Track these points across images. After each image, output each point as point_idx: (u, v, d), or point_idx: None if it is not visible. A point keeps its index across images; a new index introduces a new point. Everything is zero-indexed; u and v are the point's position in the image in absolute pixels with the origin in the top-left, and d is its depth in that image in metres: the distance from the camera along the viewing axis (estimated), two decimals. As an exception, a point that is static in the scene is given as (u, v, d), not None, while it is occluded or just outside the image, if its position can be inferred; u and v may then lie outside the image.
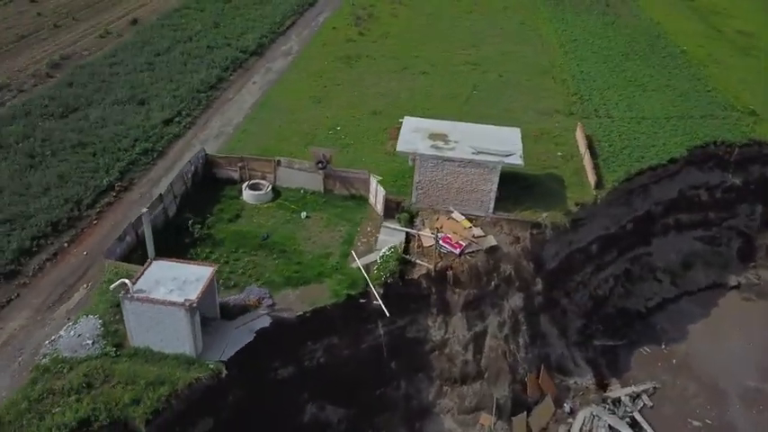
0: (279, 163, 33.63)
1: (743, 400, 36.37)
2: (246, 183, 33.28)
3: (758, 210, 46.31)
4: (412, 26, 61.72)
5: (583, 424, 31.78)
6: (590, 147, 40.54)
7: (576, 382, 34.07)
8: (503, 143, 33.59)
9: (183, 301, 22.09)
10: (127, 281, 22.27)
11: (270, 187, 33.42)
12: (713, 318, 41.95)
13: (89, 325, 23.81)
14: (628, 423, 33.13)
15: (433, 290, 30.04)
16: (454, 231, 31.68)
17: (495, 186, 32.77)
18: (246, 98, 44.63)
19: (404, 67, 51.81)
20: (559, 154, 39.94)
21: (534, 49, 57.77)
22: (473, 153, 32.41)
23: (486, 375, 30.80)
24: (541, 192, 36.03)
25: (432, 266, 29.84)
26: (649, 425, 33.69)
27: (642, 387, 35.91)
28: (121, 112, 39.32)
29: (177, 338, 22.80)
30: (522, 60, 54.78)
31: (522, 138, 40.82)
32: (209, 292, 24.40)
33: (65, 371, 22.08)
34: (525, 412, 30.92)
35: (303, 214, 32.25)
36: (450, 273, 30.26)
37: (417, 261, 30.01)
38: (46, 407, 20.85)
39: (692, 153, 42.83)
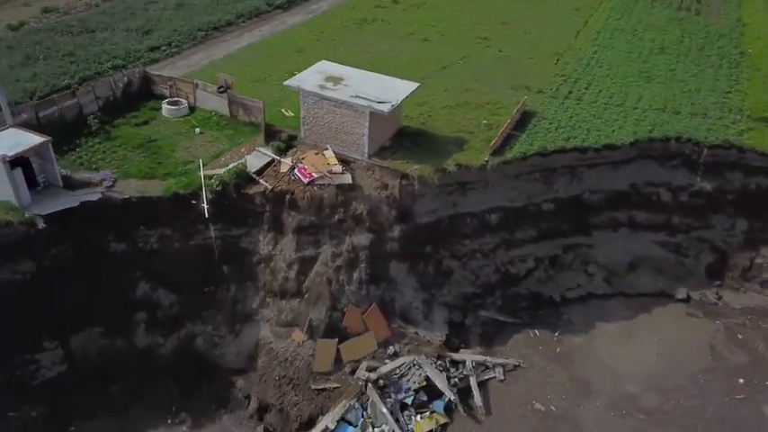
0: (197, 85, 38.31)
1: (610, 401, 33.98)
2: (167, 99, 38.45)
3: (739, 225, 41.30)
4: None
5: (398, 367, 32.42)
6: (522, 121, 39.79)
7: (417, 333, 34.53)
8: (388, 93, 34.88)
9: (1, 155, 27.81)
10: (-36, 133, 28.61)
11: (186, 105, 38.28)
12: (636, 323, 38.69)
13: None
14: (456, 384, 33.03)
15: (268, 208, 32.82)
16: (313, 164, 33.99)
17: (366, 131, 34.27)
18: (242, 42, 49.77)
19: (410, 34, 53.51)
20: (485, 122, 39.67)
21: (564, 33, 55.51)
22: (350, 96, 34.29)
23: (306, 296, 32.91)
24: (433, 149, 36.55)
25: (269, 187, 32.67)
26: (480, 393, 33.21)
27: (500, 360, 35.15)
28: (125, 37, 46.65)
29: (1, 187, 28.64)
30: (539, 42, 53.29)
31: (464, 105, 41.76)
32: (47, 161, 30.01)
33: None
34: (336, 339, 32.46)
35: (197, 130, 36.68)
36: (287, 197, 32.79)
37: (260, 180, 32.98)
38: None
39: (646, 146, 39.80)
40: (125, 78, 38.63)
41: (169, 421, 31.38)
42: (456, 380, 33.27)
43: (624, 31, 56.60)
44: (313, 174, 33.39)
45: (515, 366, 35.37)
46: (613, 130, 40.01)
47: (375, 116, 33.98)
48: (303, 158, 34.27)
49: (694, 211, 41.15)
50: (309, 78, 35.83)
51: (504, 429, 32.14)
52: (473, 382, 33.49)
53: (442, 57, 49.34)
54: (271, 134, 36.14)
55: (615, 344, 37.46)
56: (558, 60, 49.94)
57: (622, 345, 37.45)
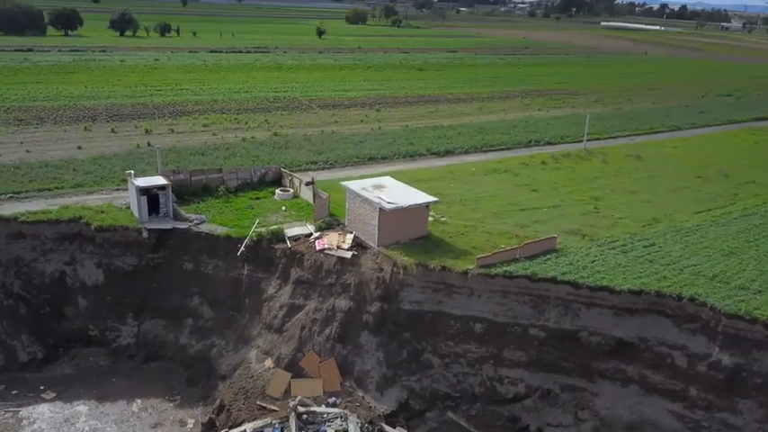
0: (300, 182, 51.94)
1: None
2: (281, 187, 52.85)
3: None
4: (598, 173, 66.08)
5: (327, 413, 37.56)
6: (542, 254, 42.77)
7: (363, 397, 39.08)
8: (406, 201, 43.19)
9: (138, 186, 44.66)
10: (132, 173, 46.42)
11: (291, 192, 52.00)
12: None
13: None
14: (372, 451, 36.52)
15: (283, 261, 43.00)
16: (329, 239, 43.48)
17: (377, 223, 42.65)
18: (381, 170, 62.18)
19: (526, 185, 59.63)
20: (502, 246, 43.81)
21: (691, 207, 54.85)
22: (373, 196, 43.53)
23: (284, 334, 41.05)
24: (438, 253, 42.39)
25: (289, 246, 43.08)
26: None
27: (427, 454, 37.19)
28: (302, 153, 64.03)
29: (135, 207, 45.30)
30: (649, 209, 54.15)
31: (504, 233, 46.91)
32: (165, 198, 46.03)
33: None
34: (291, 374, 39.37)
35: (283, 208, 49.65)
36: (298, 256, 42.59)
37: (287, 241, 43.67)
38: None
39: (657, 300, 38.77)
40: (263, 170, 54.53)
41: (167, 397, 41.68)
42: (374, 447, 36.71)
43: (753, 217, 53.10)
44: (325, 245, 42.85)
45: (439, 470, 36.81)
46: (624, 278, 40.09)
47: (386, 214, 42.27)
48: (327, 235, 44.09)
49: (714, 388, 37.30)
50: (359, 183, 46.31)
51: (390, 503, 34.12)
52: (383, 456, 36.44)
53: (534, 203, 54.38)
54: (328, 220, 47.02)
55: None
56: (650, 224, 50.36)
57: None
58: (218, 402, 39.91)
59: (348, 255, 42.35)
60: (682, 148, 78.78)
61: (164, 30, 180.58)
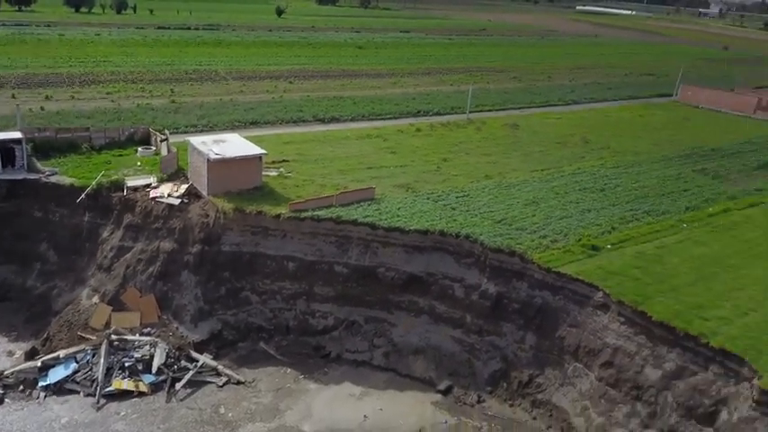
0: (161, 139, 55.95)
1: (274, 427, 37.63)
2: (143, 145, 56.83)
3: (529, 339, 40.61)
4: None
5: (138, 340, 41.85)
6: (359, 201, 47.04)
7: (177, 328, 43.32)
8: (236, 153, 47.36)
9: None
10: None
11: (152, 150, 55.98)
12: (381, 394, 40.74)
13: None
14: (174, 371, 40.74)
15: (118, 208, 47.10)
16: (161, 189, 47.58)
17: (206, 173, 46.72)
18: (258, 133, 66.46)
19: (387, 148, 63.72)
20: (324, 195, 47.96)
21: (529, 167, 59.24)
22: (206, 149, 47.56)
23: (111, 272, 45.28)
24: (265, 201, 46.44)
25: (123, 194, 47.21)
26: (191, 388, 39.94)
27: (229, 372, 41.39)
28: (189, 118, 67.77)
29: None
30: (486, 168, 58.35)
31: (335, 186, 50.96)
32: (21, 152, 49.91)
33: None
34: (110, 307, 43.55)
35: (138, 163, 53.66)
36: (130, 202, 46.72)
37: (125, 189, 47.75)
38: None
39: (440, 239, 43.23)
40: (131, 129, 58.48)
41: (4, 333, 44.96)
42: (175, 367, 41.00)
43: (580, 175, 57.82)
44: (158, 193, 46.96)
45: (239, 382, 41.18)
46: (419, 221, 44.39)
47: (213, 164, 46.31)
48: (161, 185, 48.18)
49: (484, 314, 41.87)
50: (200, 138, 50.38)
51: (176, 414, 38.34)
52: (188, 375, 40.74)
53: (384, 163, 58.51)
54: (176, 172, 51.07)
55: (338, 399, 40.21)
56: (479, 180, 54.68)
57: (344, 401, 39.98)
58: (45, 335, 43.91)
59: (176, 202, 46.43)
60: (565, 119, 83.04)
61: (120, 7, 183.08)
